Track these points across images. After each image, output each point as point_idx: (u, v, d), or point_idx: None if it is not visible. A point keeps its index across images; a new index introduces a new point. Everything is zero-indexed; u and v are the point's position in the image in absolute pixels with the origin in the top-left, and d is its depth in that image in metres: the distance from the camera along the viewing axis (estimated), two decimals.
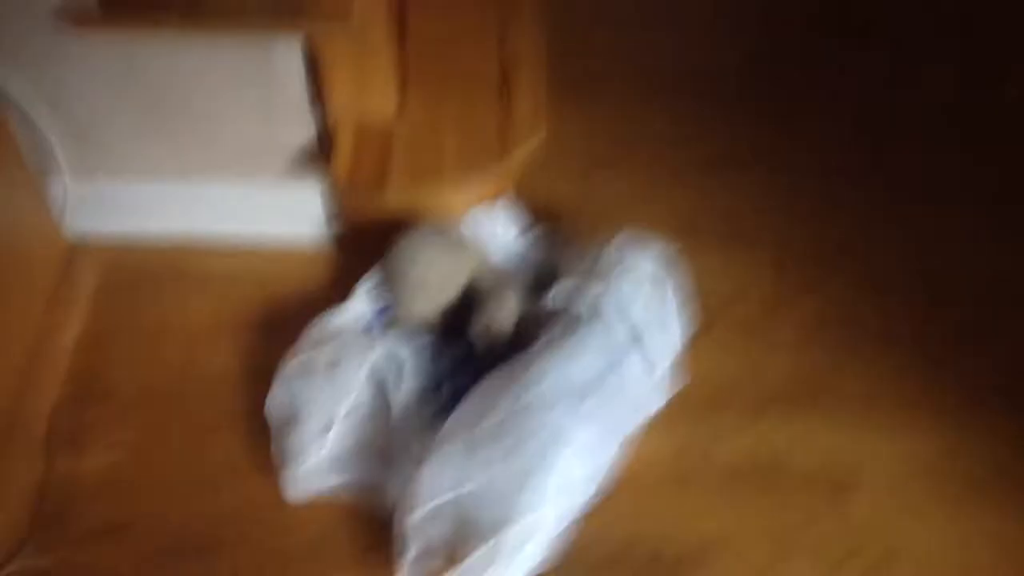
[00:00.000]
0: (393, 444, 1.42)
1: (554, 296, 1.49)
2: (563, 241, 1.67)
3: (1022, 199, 1.84)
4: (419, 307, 1.51)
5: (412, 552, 1.33)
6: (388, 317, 1.53)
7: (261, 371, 1.55)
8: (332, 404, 1.42)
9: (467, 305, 1.50)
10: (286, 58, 1.45)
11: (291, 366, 1.46)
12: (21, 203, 1.44)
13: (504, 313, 1.48)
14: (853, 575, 1.40)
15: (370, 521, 1.41)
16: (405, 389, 1.45)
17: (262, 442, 1.47)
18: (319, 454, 1.42)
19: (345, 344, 1.47)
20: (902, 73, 2.02)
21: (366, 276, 1.56)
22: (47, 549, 1.39)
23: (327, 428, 1.42)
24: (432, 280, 1.50)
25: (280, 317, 1.64)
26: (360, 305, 1.55)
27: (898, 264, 1.75)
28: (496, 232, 1.63)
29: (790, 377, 1.60)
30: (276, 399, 1.45)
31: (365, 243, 1.67)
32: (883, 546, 1.42)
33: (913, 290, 1.71)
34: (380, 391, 1.46)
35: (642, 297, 1.48)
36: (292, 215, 1.70)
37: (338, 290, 1.59)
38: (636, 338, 1.45)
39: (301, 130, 1.57)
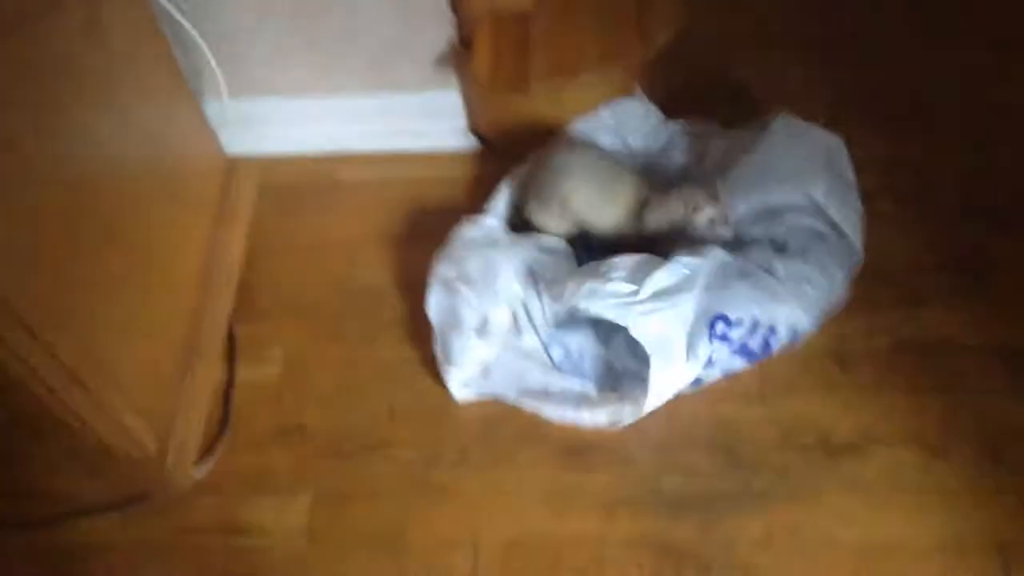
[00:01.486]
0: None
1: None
2: (707, 131, 1.63)
3: None
4: (558, 224, 1.51)
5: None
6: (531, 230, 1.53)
7: (415, 278, 1.59)
8: (484, 307, 1.45)
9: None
10: None
11: (441, 271, 1.49)
12: (183, 123, 1.50)
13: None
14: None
15: (531, 417, 1.46)
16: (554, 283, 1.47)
17: (425, 346, 1.52)
18: (476, 358, 1.46)
19: (492, 246, 1.49)
20: None
21: (508, 178, 1.58)
22: (233, 450, 1.49)
23: (480, 332, 1.45)
24: (581, 199, 1.48)
25: (430, 223, 1.66)
26: (502, 208, 1.57)
27: None
28: (637, 124, 1.61)
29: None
30: (432, 304, 1.49)
31: (507, 143, 1.68)
32: None
33: None
34: (530, 290, 1.48)
35: (821, 178, 1.45)
36: (436, 119, 1.72)
37: (483, 192, 1.61)
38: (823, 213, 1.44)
39: (440, 31, 1.58)
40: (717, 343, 1.36)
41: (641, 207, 1.45)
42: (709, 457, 1.41)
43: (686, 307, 1.34)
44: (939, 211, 1.60)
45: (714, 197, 1.41)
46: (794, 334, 1.41)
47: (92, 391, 1.20)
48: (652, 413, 1.39)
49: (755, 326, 1.37)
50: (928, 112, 1.72)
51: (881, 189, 1.59)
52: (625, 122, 1.60)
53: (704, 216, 1.41)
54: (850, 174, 1.51)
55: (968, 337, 1.47)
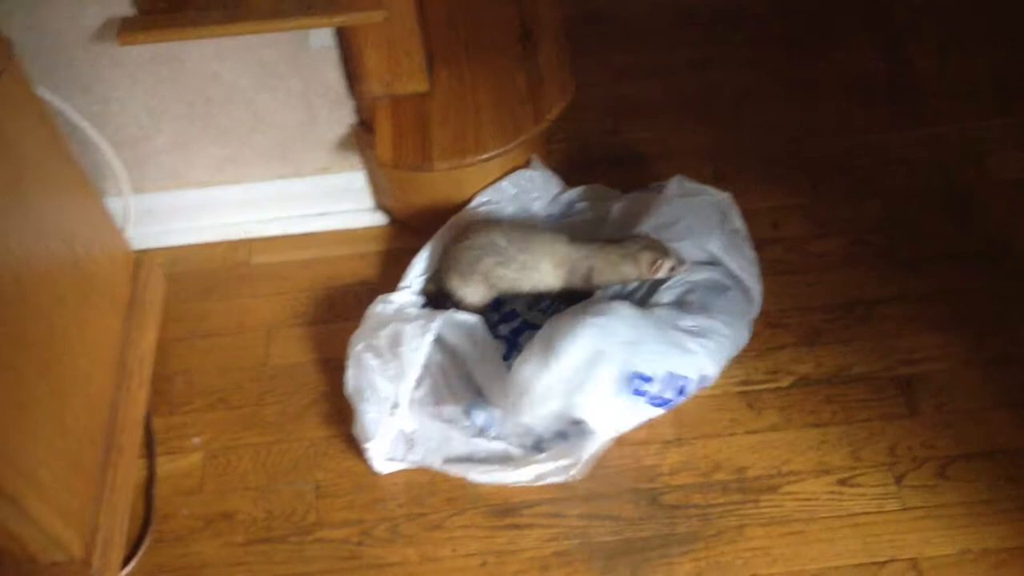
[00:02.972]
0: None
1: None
2: (606, 194, 1.72)
3: None
4: (480, 295, 1.58)
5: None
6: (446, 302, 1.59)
7: (333, 356, 1.62)
8: (399, 380, 1.48)
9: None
10: (322, 50, 1.50)
11: (356, 347, 1.52)
12: (90, 223, 1.50)
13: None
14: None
15: (459, 482, 1.48)
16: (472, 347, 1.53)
17: (348, 422, 1.54)
18: (395, 431, 1.49)
19: (405, 321, 1.52)
20: None
21: (422, 253, 1.63)
22: (160, 544, 1.47)
23: (396, 405, 1.48)
24: (504, 272, 1.55)
25: (344, 300, 1.71)
26: (416, 284, 1.62)
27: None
28: (538, 193, 1.69)
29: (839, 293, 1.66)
30: (349, 381, 1.51)
31: (414, 218, 1.73)
32: (955, 444, 1.49)
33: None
34: (446, 360, 1.53)
35: (716, 233, 1.55)
36: (343, 199, 1.76)
37: (395, 266, 1.67)
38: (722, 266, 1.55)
39: (341, 115, 1.63)
40: (636, 397, 1.42)
41: (584, 272, 1.53)
42: (634, 505, 1.46)
43: (606, 369, 1.41)
44: (825, 254, 1.71)
45: (663, 251, 1.50)
46: (704, 380, 1.48)
47: (13, 498, 1.18)
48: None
49: (669, 379, 1.44)
50: (807, 160, 1.85)
51: (770, 238, 1.69)
52: (527, 191, 1.67)
53: (665, 269, 1.50)
54: (741, 226, 1.61)
55: (862, 367, 1.57)
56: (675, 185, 1.62)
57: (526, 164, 1.69)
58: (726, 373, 1.56)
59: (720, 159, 1.84)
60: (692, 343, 1.46)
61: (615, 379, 1.41)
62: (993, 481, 1.44)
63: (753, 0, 2.12)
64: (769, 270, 1.63)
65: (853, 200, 1.78)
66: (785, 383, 1.57)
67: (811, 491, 1.46)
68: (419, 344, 1.49)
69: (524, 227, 1.59)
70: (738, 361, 1.58)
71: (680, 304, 1.51)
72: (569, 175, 1.75)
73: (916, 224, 1.74)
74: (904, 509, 1.43)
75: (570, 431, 1.46)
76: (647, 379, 1.42)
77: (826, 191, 1.80)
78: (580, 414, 1.41)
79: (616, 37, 2.04)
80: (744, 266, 1.56)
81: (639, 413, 1.44)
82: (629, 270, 1.51)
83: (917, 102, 1.92)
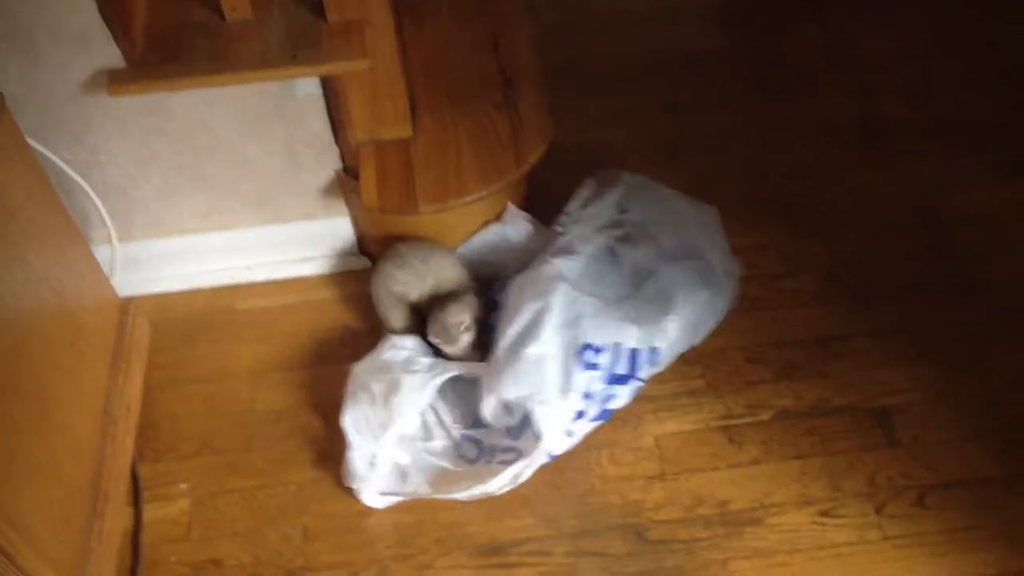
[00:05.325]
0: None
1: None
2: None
3: None
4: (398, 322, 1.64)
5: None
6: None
7: (319, 400, 1.64)
8: (395, 417, 1.51)
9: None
10: (307, 99, 1.54)
11: (357, 384, 1.55)
12: (77, 268, 1.51)
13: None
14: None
15: (447, 519, 1.50)
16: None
17: (333, 465, 1.55)
18: (390, 466, 1.52)
19: (406, 375, 1.55)
20: None
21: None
22: None
23: (392, 440, 1.51)
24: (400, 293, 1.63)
25: (329, 344, 1.73)
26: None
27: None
28: (515, 236, 1.73)
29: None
30: (347, 418, 1.53)
31: None
32: (933, 473, 1.52)
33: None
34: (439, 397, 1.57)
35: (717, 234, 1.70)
36: (326, 244, 1.79)
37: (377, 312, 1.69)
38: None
39: (324, 161, 1.66)
40: (589, 372, 1.48)
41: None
42: (622, 540, 1.47)
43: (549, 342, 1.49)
44: (799, 290, 1.76)
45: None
46: (655, 353, 1.55)
47: (5, 551, 1.18)
48: (562, 499, 1.48)
49: (618, 350, 1.50)
50: (780, 199, 1.90)
51: (745, 276, 1.73)
52: (509, 235, 1.71)
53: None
54: (726, 243, 1.70)
55: (840, 400, 1.61)
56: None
57: (505, 207, 1.73)
58: (708, 408, 1.60)
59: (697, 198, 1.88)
60: (637, 314, 1.54)
61: (566, 354, 1.48)
62: (972, 509, 1.47)
63: (721, 45, 2.18)
64: (744, 306, 1.68)
65: (825, 237, 1.83)
66: (765, 416, 1.60)
67: (794, 523, 1.48)
68: (414, 399, 1.52)
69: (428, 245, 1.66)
70: (718, 396, 1.61)
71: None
72: (549, 218, 1.78)
73: (888, 259, 1.79)
74: (885, 539, 1.45)
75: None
76: (598, 350, 1.48)
77: (799, 229, 1.84)
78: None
79: (588, 84, 2.10)
80: (717, 253, 1.65)
81: (599, 393, 1.51)
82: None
83: (887, 142, 1.98)
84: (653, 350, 1.54)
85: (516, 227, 1.73)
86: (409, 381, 1.52)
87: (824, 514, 1.49)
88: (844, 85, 2.08)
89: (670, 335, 1.55)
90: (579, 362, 1.48)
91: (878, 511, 1.48)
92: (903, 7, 2.20)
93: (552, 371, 1.48)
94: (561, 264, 1.57)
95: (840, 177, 1.92)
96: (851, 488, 1.51)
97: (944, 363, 1.64)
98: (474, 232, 1.73)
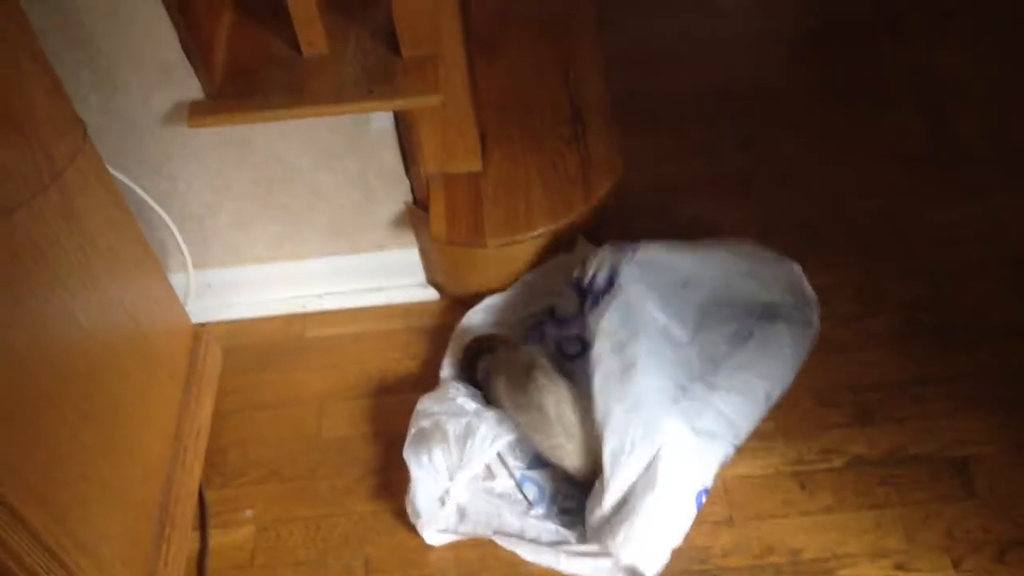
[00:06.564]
0: None
1: None
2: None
3: None
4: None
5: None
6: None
7: (384, 429, 1.64)
8: (455, 472, 1.49)
9: None
10: (380, 132, 1.55)
11: (425, 419, 1.54)
12: (153, 297, 1.55)
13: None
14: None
15: (509, 556, 1.48)
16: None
17: (397, 496, 1.55)
18: (450, 503, 1.50)
19: (481, 421, 1.53)
20: None
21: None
22: None
23: (454, 478, 1.49)
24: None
25: (396, 374, 1.73)
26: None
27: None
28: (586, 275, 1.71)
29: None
30: (409, 452, 1.52)
31: (464, 294, 1.76)
32: (1014, 528, 1.45)
33: None
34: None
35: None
36: (396, 275, 1.80)
37: (444, 342, 1.70)
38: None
39: (395, 194, 1.67)
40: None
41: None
42: None
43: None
44: (876, 332, 1.70)
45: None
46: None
47: (72, 572, 1.20)
48: None
49: None
50: (855, 235, 1.85)
51: (821, 315, 1.68)
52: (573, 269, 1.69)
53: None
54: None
55: (916, 448, 1.55)
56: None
57: (574, 242, 1.72)
58: (779, 453, 1.55)
59: (766, 235, 1.84)
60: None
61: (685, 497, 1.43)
62: None
63: (794, 72, 2.14)
64: (819, 347, 1.63)
65: (903, 276, 1.78)
66: (838, 463, 1.55)
67: (866, 574, 1.43)
68: (487, 447, 1.50)
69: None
70: (790, 441, 1.57)
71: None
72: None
73: (968, 300, 1.73)
74: None
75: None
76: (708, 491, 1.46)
77: (876, 267, 1.79)
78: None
79: (657, 116, 2.07)
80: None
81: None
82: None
83: (966, 174, 1.91)
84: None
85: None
86: (483, 429, 1.50)
87: (899, 567, 1.43)
88: (922, 114, 2.02)
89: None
90: (695, 506, 1.44)
91: (956, 566, 1.42)
92: (984, 34, 2.13)
93: (666, 509, 1.42)
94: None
95: (918, 213, 1.86)
96: (927, 541, 1.46)
97: None
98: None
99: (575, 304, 1.66)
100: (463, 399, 1.56)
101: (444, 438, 1.50)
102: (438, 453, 1.49)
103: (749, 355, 1.55)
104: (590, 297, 1.59)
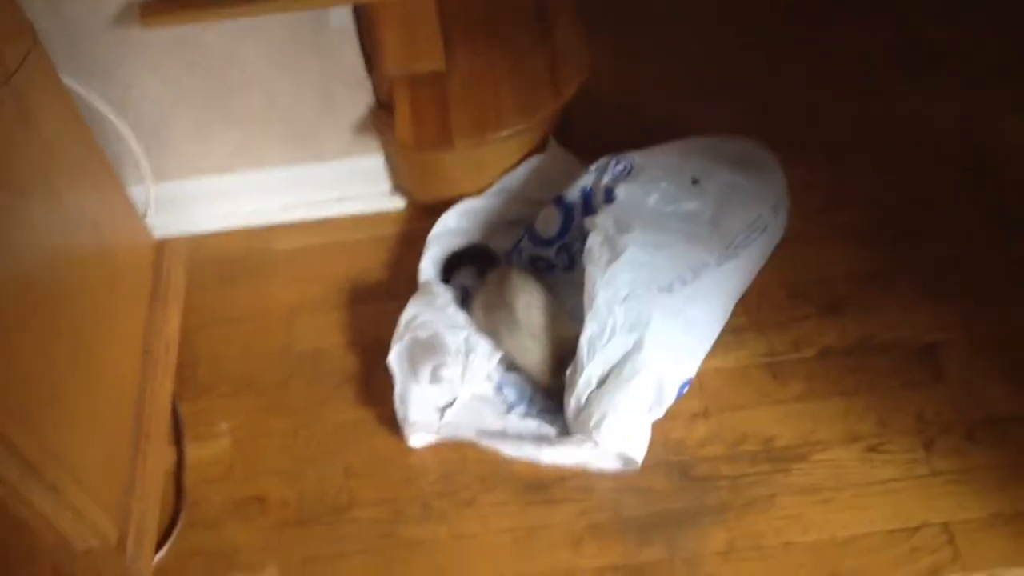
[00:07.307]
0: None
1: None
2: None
3: None
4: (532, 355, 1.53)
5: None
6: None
7: (358, 339, 1.63)
8: (439, 356, 1.50)
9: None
10: (340, 31, 1.50)
11: (416, 327, 1.54)
12: (112, 210, 1.51)
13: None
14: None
15: (490, 456, 1.49)
16: None
17: (375, 404, 1.55)
18: (432, 404, 1.50)
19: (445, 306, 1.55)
20: None
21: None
22: (191, 530, 1.47)
23: (434, 379, 1.49)
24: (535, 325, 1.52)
25: (366, 284, 1.71)
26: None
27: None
28: (559, 175, 1.69)
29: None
30: (393, 357, 1.52)
31: (433, 198, 1.73)
32: (982, 408, 1.49)
33: None
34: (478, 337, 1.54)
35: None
36: (362, 183, 1.76)
37: (413, 250, 1.68)
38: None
39: (357, 98, 1.63)
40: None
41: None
42: (665, 477, 1.46)
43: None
44: (844, 224, 1.71)
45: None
46: None
47: (51, 484, 1.18)
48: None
49: None
50: (825, 132, 1.85)
51: (791, 210, 1.69)
52: (548, 174, 1.67)
53: None
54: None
55: (885, 337, 1.58)
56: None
57: (544, 144, 1.69)
58: (751, 346, 1.57)
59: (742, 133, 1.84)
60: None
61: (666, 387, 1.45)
62: (1022, 444, 1.45)
63: None
64: (789, 241, 1.64)
65: (870, 170, 1.78)
66: (809, 354, 1.57)
67: (840, 459, 1.46)
68: (487, 362, 1.52)
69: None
70: (761, 333, 1.58)
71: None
72: (590, 156, 1.74)
73: (934, 192, 1.74)
74: (934, 474, 1.43)
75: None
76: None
77: (844, 162, 1.80)
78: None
79: (622, 15, 2.04)
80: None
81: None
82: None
83: (930, 69, 1.92)
84: None
85: (557, 162, 1.69)
86: (484, 344, 1.52)
87: (871, 450, 1.46)
88: (884, 12, 2.02)
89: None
90: (677, 394, 1.46)
91: (926, 447, 1.46)
92: None
93: (645, 397, 1.44)
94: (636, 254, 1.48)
95: (885, 110, 1.87)
96: (898, 424, 1.49)
97: (994, 298, 1.60)
98: (511, 169, 1.70)
99: (556, 224, 1.64)
100: (453, 309, 1.56)
101: (445, 351, 1.49)
102: (442, 366, 1.49)
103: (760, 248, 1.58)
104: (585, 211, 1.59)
